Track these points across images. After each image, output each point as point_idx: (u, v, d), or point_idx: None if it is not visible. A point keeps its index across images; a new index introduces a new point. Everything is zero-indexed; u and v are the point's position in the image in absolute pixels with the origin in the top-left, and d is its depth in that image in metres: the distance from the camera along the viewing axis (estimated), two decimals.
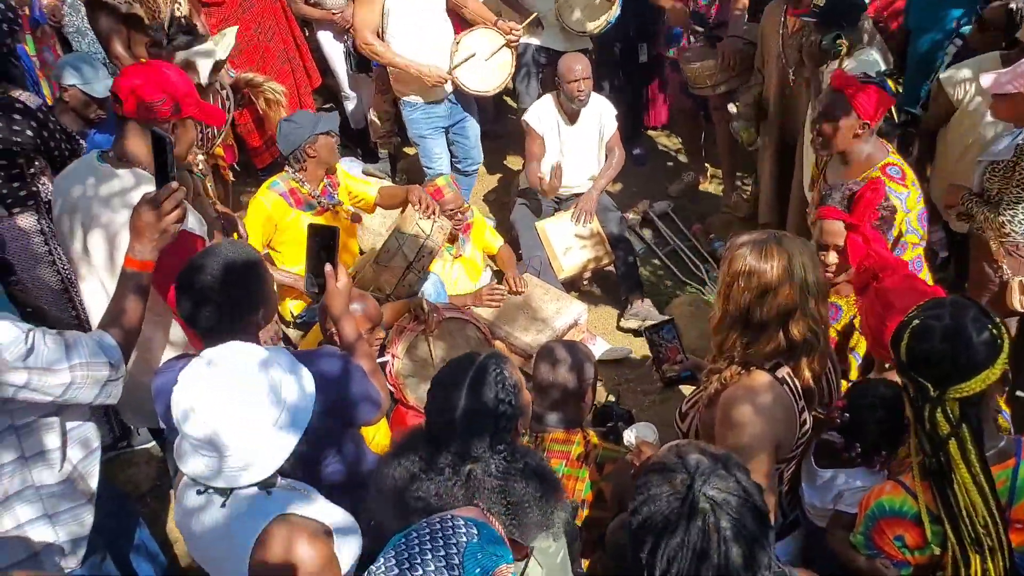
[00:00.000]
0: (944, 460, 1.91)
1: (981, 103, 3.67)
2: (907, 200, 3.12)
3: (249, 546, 1.82)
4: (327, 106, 6.24)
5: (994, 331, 1.89)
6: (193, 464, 1.82)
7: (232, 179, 4.73)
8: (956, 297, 2.08)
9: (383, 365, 3.25)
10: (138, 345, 2.37)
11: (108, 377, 2.16)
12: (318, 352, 2.42)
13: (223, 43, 3.86)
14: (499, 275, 4.74)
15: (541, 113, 4.90)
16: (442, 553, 1.40)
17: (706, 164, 6.02)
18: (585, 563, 2.71)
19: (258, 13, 5.25)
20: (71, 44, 4.84)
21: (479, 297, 4.34)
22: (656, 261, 5.35)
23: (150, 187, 2.38)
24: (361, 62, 5.46)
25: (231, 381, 1.80)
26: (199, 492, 1.88)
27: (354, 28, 4.78)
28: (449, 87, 4.77)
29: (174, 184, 2.24)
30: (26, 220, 3.52)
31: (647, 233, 5.56)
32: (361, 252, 4.69)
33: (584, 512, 2.72)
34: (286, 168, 4.07)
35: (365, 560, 1.94)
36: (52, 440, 2.20)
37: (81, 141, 3.75)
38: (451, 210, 4.22)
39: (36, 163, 3.52)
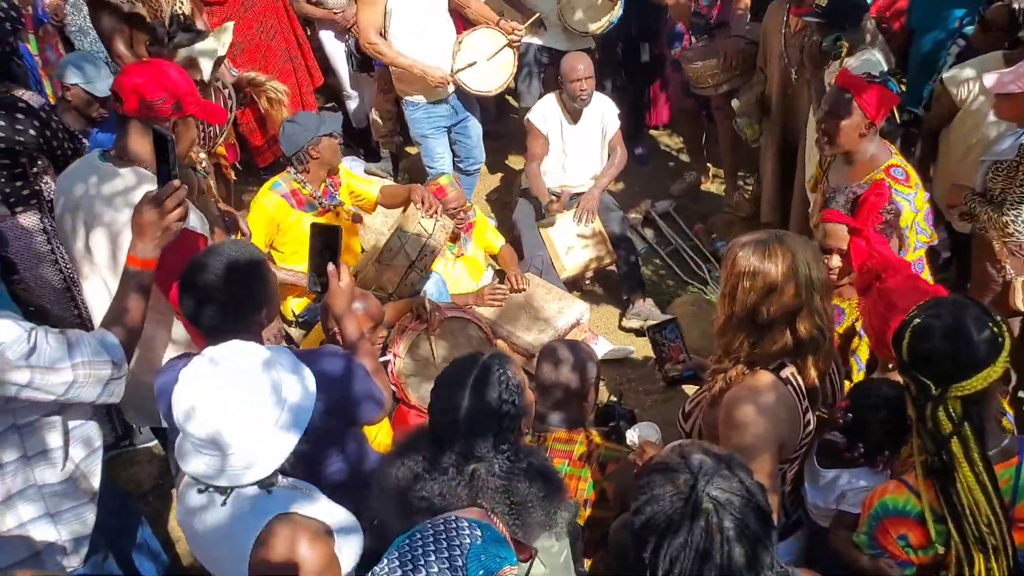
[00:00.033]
0: (947, 459, 1.91)
1: (984, 103, 3.67)
2: (915, 200, 3.12)
3: (249, 545, 1.82)
4: (329, 105, 6.25)
5: (995, 329, 1.90)
6: (195, 463, 1.82)
7: (234, 178, 4.73)
8: (957, 296, 2.08)
9: (385, 364, 3.25)
10: (140, 344, 2.37)
11: (111, 376, 2.16)
12: (321, 351, 2.43)
13: (223, 39, 3.87)
14: (501, 274, 4.74)
15: (545, 112, 4.90)
16: (445, 555, 1.39)
17: (708, 164, 6.02)
18: (587, 563, 2.71)
19: (260, 12, 5.25)
20: (73, 43, 4.84)
21: (481, 297, 4.34)
22: (658, 261, 5.35)
23: (152, 186, 2.38)
24: (363, 62, 5.46)
25: (233, 380, 1.80)
26: (200, 491, 1.88)
27: (358, 28, 4.78)
28: (451, 87, 4.77)
29: (176, 182, 2.24)
30: (29, 219, 3.52)
31: (649, 233, 5.55)
32: (363, 251, 4.69)
33: (587, 512, 2.72)
34: (288, 169, 4.07)
35: (367, 559, 1.94)
36: (54, 439, 2.20)
37: (84, 140, 3.75)
38: (454, 209, 4.22)
39: (39, 162, 3.52)
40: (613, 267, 4.93)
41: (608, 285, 5.14)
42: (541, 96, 5.15)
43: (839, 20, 3.84)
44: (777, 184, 4.81)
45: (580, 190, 4.95)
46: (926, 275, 3.13)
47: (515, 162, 6.10)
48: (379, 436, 3.13)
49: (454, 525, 1.44)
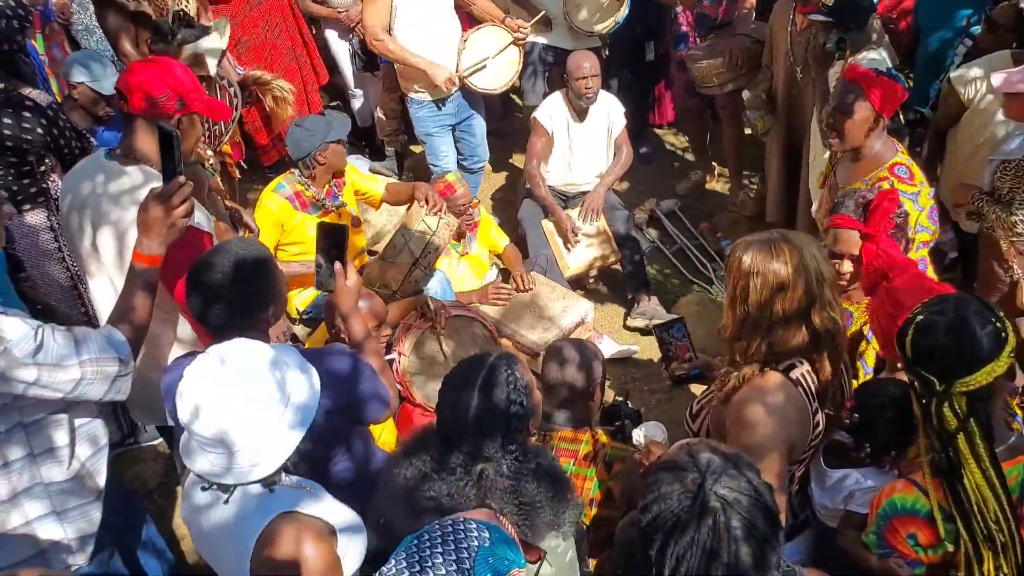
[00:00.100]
0: (953, 456, 1.92)
1: (992, 102, 3.66)
2: (919, 199, 3.11)
3: (251, 544, 1.82)
4: (334, 104, 6.25)
5: (998, 324, 1.90)
6: (201, 462, 1.82)
7: (239, 176, 4.73)
8: (960, 293, 2.09)
9: (389, 363, 3.25)
10: (146, 342, 2.37)
11: (117, 373, 2.16)
12: (327, 350, 2.42)
13: (224, 33, 3.87)
14: (505, 273, 4.74)
15: (552, 111, 4.90)
16: (453, 557, 1.39)
17: (713, 163, 6.02)
18: (592, 563, 2.71)
19: (265, 11, 5.25)
20: (79, 42, 4.85)
21: (485, 295, 4.34)
22: (663, 260, 5.35)
23: (158, 184, 2.38)
24: (368, 62, 5.46)
25: (238, 378, 1.80)
26: (203, 488, 1.88)
27: (364, 25, 4.78)
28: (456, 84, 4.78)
29: (181, 179, 2.24)
30: (36, 217, 3.53)
31: (654, 232, 5.55)
32: (370, 252, 4.70)
33: (592, 511, 2.72)
34: (292, 170, 4.07)
35: (374, 559, 1.93)
36: (61, 437, 2.20)
37: (91, 139, 3.76)
38: (462, 205, 4.23)
39: (46, 161, 3.52)
40: (618, 266, 4.93)
41: (613, 284, 5.14)
42: (546, 95, 5.15)
43: (845, 19, 3.84)
44: (782, 183, 4.80)
45: (585, 188, 4.95)
46: (930, 274, 3.12)
47: (519, 160, 6.10)
48: (384, 435, 3.14)
49: (462, 527, 1.44)
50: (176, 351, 2.71)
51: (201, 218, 2.68)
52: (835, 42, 3.84)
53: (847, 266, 2.78)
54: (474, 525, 1.45)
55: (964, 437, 1.90)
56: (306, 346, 3.51)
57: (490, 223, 4.73)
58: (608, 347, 4.52)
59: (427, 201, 3.91)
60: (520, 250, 4.78)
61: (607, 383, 3.10)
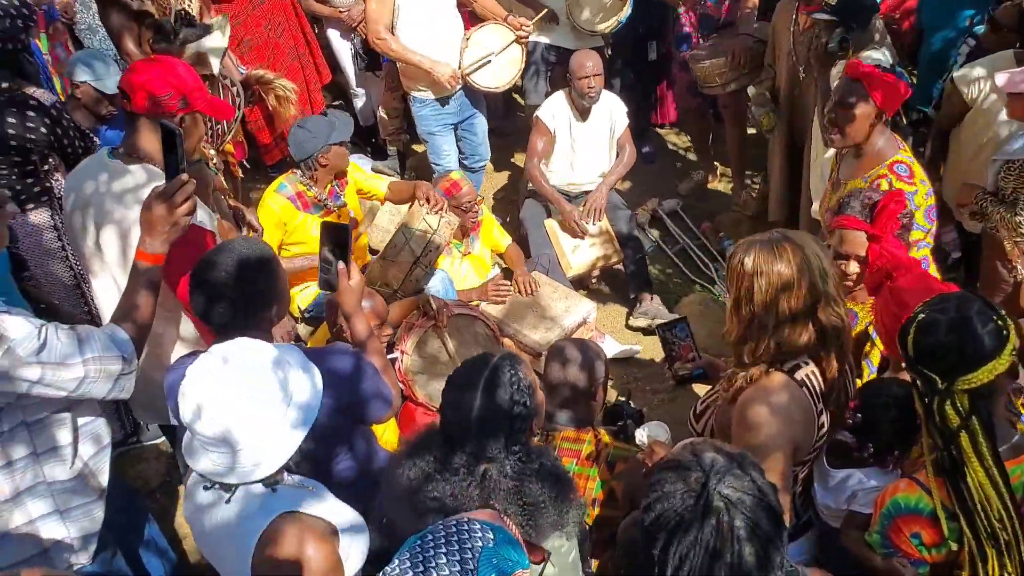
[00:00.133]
0: (956, 454, 1.92)
1: (995, 102, 3.66)
2: (915, 197, 3.10)
3: (252, 543, 1.81)
4: (336, 103, 6.25)
5: (999, 322, 1.91)
6: (204, 461, 1.82)
7: (241, 175, 4.73)
8: (962, 291, 2.09)
9: (392, 362, 3.25)
10: (149, 340, 2.37)
11: (121, 371, 2.16)
12: (330, 349, 2.43)
13: (225, 31, 3.88)
14: (507, 273, 4.74)
15: (554, 110, 4.90)
16: (457, 557, 1.39)
17: (715, 162, 6.01)
18: (594, 563, 2.70)
19: (268, 10, 5.26)
20: (82, 41, 4.85)
21: (485, 292, 4.34)
22: (665, 259, 5.34)
23: (161, 183, 2.38)
24: (370, 62, 5.46)
25: (240, 378, 1.79)
26: (206, 488, 1.88)
27: (366, 24, 4.79)
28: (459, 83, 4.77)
29: (184, 176, 2.23)
30: (39, 216, 3.53)
31: (656, 231, 5.54)
32: (370, 249, 4.70)
33: (595, 511, 2.71)
34: (294, 170, 4.08)
35: (376, 558, 1.93)
36: (64, 436, 2.20)
37: (95, 138, 3.76)
38: (467, 202, 4.23)
39: (50, 160, 3.52)
40: (620, 266, 4.93)
41: (615, 284, 5.13)
42: (548, 95, 5.15)
43: (848, 18, 3.83)
44: (784, 182, 4.80)
45: (588, 188, 4.94)
46: (932, 273, 3.12)
47: (521, 160, 6.09)
48: (386, 434, 3.14)
49: (466, 527, 1.43)
50: (179, 350, 2.71)
51: (204, 216, 2.68)
52: (837, 42, 3.84)
53: (853, 267, 2.78)
54: (478, 525, 1.45)
55: (967, 435, 1.91)
56: (308, 345, 3.51)
57: (492, 222, 4.73)
58: (610, 347, 4.52)
59: (428, 200, 3.91)
60: (522, 250, 4.78)
61: (609, 383, 3.10)
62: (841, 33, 3.83)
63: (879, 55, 3.92)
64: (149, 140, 2.61)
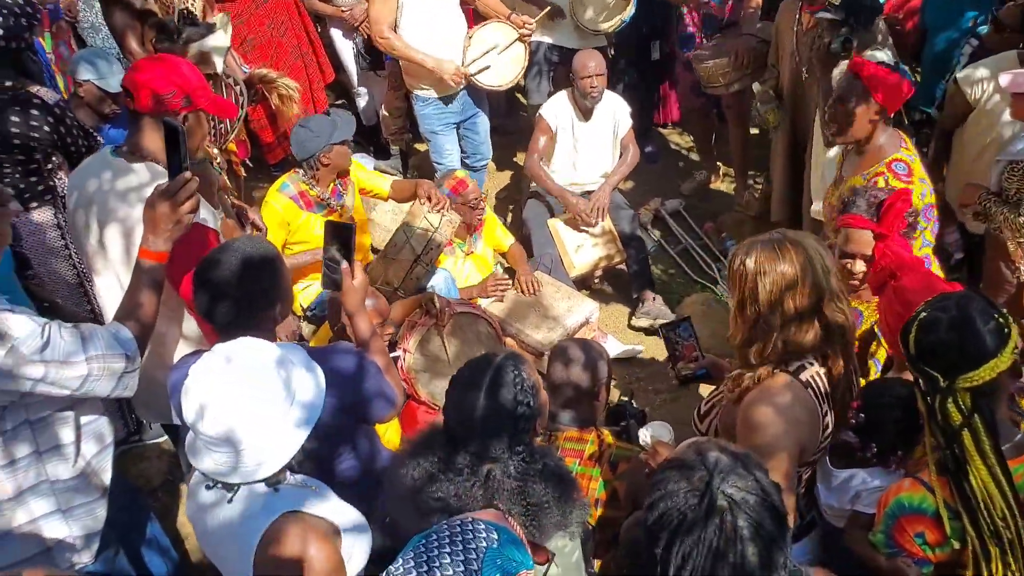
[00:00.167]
0: (959, 452, 1.93)
1: (998, 103, 3.65)
2: (911, 197, 3.10)
3: (254, 543, 1.81)
4: (339, 102, 6.25)
5: (1000, 320, 1.92)
6: (207, 461, 1.82)
7: (244, 174, 4.74)
8: (963, 291, 2.09)
9: (394, 360, 3.25)
10: (151, 339, 2.37)
11: (124, 369, 2.15)
12: (333, 348, 2.42)
13: (227, 29, 3.88)
14: (510, 272, 4.74)
15: (557, 109, 4.90)
16: (461, 557, 1.38)
17: (718, 162, 6.01)
18: (597, 563, 2.70)
19: (271, 9, 5.26)
20: (85, 39, 4.86)
21: (484, 288, 4.33)
22: (667, 259, 5.34)
23: (164, 181, 2.38)
24: (373, 61, 5.46)
25: (243, 377, 1.79)
26: (208, 487, 1.88)
27: (370, 22, 4.79)
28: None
29: (187, 174, 2.23)
30: (43, 214, 3.53)
31: (658, 231, 5.54)
32: (373, 249, 4.70)
33: (598, 511, 2.71)
34: (296, 169, 4.07)
35: (379, 557, 1.93)
36: (67, 435, 2.20)
37: (98, 137, 3.76)
38: (474, 199, 4.23)
39: (54, 159, 3.52)
40: (623, 266, 4.92)
41: (617, 284, 5.13)
42: (550, 94, 5.15)
43: (852, 18, 3.82)
44: (787, 182, 4.80)
45: (590, 188, 4.94)
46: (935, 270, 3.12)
47: (523, 159, 6.09)
48: (388, 433, 3.13)
49: (471, 527, 1.43)
50: (182, 349, 2.71)
51: (206, 215, 2.68)
52: (840, 42, 3.83)
53: (860, 266, 2.77)
54: (483, 526, 1.44)
55: (969, 433, 1.91)
56: (311, 344, 3.51)
57: (495, 222, 4.73)
58: (613, 347, 4.51)
59: (430, 199, 3.91)
60: (525, 250, 4.78)
61: (613, 383, 3.10)
62: (845, 33, 3.82)
63: (882, 55, 3.91)
64: (152, 139, 2.61)
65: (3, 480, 2.12)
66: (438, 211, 3.89)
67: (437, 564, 1.37)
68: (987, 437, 1.90)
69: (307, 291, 4.15)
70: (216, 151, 3.78)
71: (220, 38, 3.74)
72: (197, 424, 1.77)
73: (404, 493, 1.97)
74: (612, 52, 5.65)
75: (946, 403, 1.92)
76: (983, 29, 4.27)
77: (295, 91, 4.31)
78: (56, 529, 2.22)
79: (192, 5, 4.03)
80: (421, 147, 5.97)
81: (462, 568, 1.37)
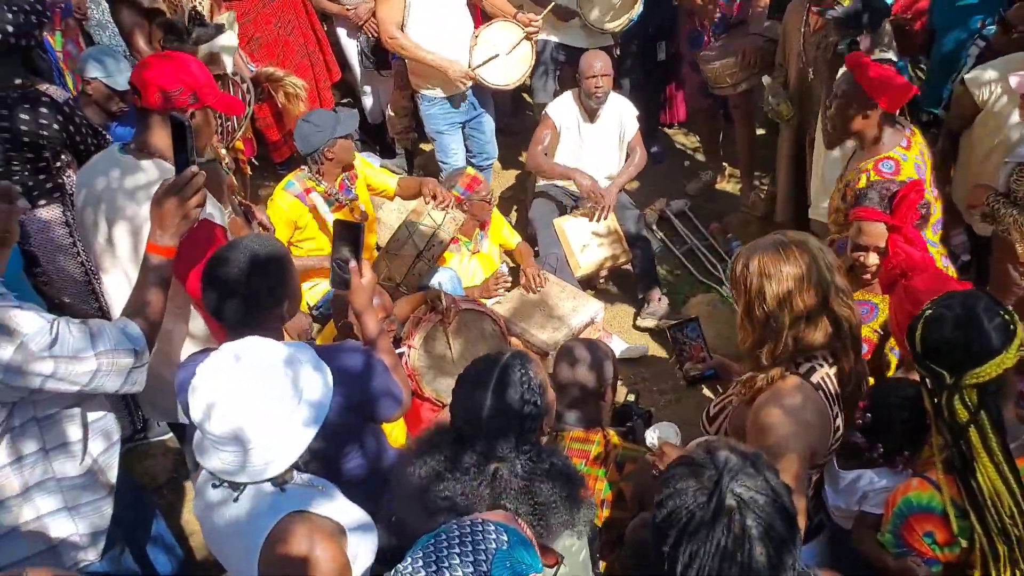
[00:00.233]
0: (965, 449, 1.93)
1: (1006, 104, 3.63)
2: None
3: (259, 542, 1.81)
4: (345, 100, 6.25)
5: (1006, 317, 1.93)
6: (214, 460, 1.81)
7: (250, 173, 4.74)
8: (969, 289, 2.10)
9: (399, 356, 3.25)
10: (157, 337, 2.37)
11: (133, 365, 2.16)
12: (340, 347, 2.42)
13: (234, 28, 3.89)
14: (514, 272, 4.74)
15: (563, 108, 4.90)
16: (471, 559, 1.37)
17: (724, 163, 6.00)
18: (602, 564, 2.69)
19: (278, 7, 5.27)
20: (92, 37, 4.86)
21: (487, 288, 4.33)
22: (673, 260, 5.33)
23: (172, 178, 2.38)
24: (379, 61, 5.46)
25: (252, 375, 1.79)
26: (215, 486, 1.88)
27: (379, 24, 4.79)
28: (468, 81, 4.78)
29: (194, 168, 2.23)
30: (51, 212, 3.53)
31: (663, 232, 5.53)
32: (378, 247, 4.70)
33: (604, 513, 2.71)
34: (302, 167, 4.08)
35: (384, 556, 1.93)
36: (74, 432, 2.20)
37: (107, 136, 3.76)
38: (486, 195, 4.26)
39: (62, 157, 3.52)
40: (628, 266, 4.91)
41: (623, 284, 5.12)
42: (556, 94, 5.15)
43: (865, 14, 3.81)
44: (792, 183, 4.78)
45: None
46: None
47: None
48: (394, 432, 3.13)
49: (480, 528, 1.42)
50: (188, 347, 2.72)
51: (213, 210, 2.68)
52: (847, 44, 3.82)
53: (873, 258, 2.77)
54: (492, 527, 1.43)
55: (975, 430, 1.92)
56: (317, 342, 3.51)
57: (501, 221, 4.73)
58: (618, 347, 4.51)
59: (435, 196, 3.91)
60: (531, 248, 4.77)
61: (619, 383, 3.10)
62: (852, 35, 3.81)
63: (891, 57, 3.90)
64: (160, 136, 2.61)
65: (10, 477, 2.12)
66: (442, 209, 3.89)
67: (446, 564, 1.36)
68: (994, 434, 1.91)
69: (314, 290, 4.15)
70: (224, 151, 3.78)
71: (229, 38, 3.75)
72: (205, 423, 1.77)
73: (411, 492, 1.97)
74: (618, 52, 5.64)
75: (952, 400, 1.93)
76: (991, 30, 4.25)
77: (302, 89, 4.31)
78: (62, 526, 2.22)
79: (200, 5, 4.03)
80: (426, 147, 5.97)
81: (471, 569, 1.36)
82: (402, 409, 2.44)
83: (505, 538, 1.42)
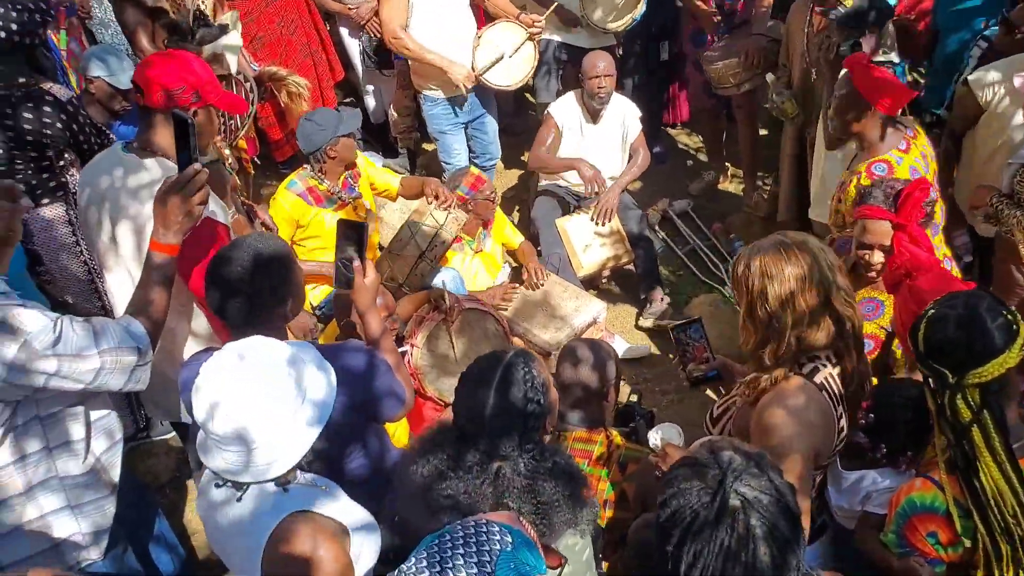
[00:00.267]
0: (968, 449, 1.93)
1: (1009, 105, 3.63)
2: None
3: (262, 541, 1.81)
4: (347, 100, 6.25)
5: (1009, 317, 1.93)
6: (218, 459, 1.81)
7: (252, 172, 4.74)
8: (971, 289, 2.10)
9: (402, 355, 3.25)
10: (161, 335, 2.37)
11: (136, 362, 2.16)
12: (343, 346, 2.42)
13: (237, 28, 3.89)
14: (517, 272, 4.74)
15: (566, 109, 4.89)
16: (475, 559, 1.37)
17: (727, 163, 5.99)
18: (605, 565, 2.69)
19: (281, 6, 5.27)
20: (95, 36, 4.86)
21: (493, 297, 4.32)
22: (675, 260, 5.33)
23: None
24: (380, 60, 5.46)
25: (256, 375, 1.79)
26: (218, 486, 1.88)
27: (382, 24, 4.79)
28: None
29: (197, 165, 2.23)
30: (54, 210, 3.53)
31: (666, 232, 5.53)
32: (380, 247, 4.70)
33: (607, 513, 2.70)
34: (304, 166, 4.08)
35: (387, 556, 1.93)
36: (77, 431, 2.20)
37: (111, 135, 3.76)
38: (490, 194, 4.24)
39: (66, 155, 3.52)
40: (630, 266, 4.91)
41: (625, 284, 5.12)
42: (559, 94, 5.14)
43: (870, 13, 3.81)
44: (795, 183, 4.78)
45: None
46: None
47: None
48: (397, 432, 3.13)
49: (484, 528, 1.42)
50: (191, 346, 2.71)
51: (216, 208, 2.68)
52: (850, 46, 3.82)
53: (878, 257, 2.77)
54: (497, 528, 1.43)
55: (978, 430, 1.92)
56: (320, 342, 3.51)
57: (504, 221, 4.73)
58: (620, 347, 4.51)
59: (437, 196, 3.91)
60: (533, 248, 4.77)
61: (622, 383, 3.09)
62: (855, 36, 3.81)
63: (894, 58, 3.90)
64: (163, 134, 2.61)
65: (13, 475, 2.12)
66: (444, 209, 3.89)
67: (451, 565, 1.36)
68: (997, 434, 1.91)
69: (317, 290, 4.15)
70: (227, 150, 3.78)
71: (233, 38, 3.75)
72: (208, 422, 1.77)
73: (414, 491, 1.96)
74: (620, 52, 5.64)
75: (955, 400, 1.94)
76: (994, 31, 4.24)
77: (304, 89, 4.32)
78: (65, 525, 2.22)
79: (204, 4, 4.03)
80: (429, 146, 5.97)
81: (475, 570, 1.36)
82: (405, 408, 2.44)
83: (509, 539, 1.42)
